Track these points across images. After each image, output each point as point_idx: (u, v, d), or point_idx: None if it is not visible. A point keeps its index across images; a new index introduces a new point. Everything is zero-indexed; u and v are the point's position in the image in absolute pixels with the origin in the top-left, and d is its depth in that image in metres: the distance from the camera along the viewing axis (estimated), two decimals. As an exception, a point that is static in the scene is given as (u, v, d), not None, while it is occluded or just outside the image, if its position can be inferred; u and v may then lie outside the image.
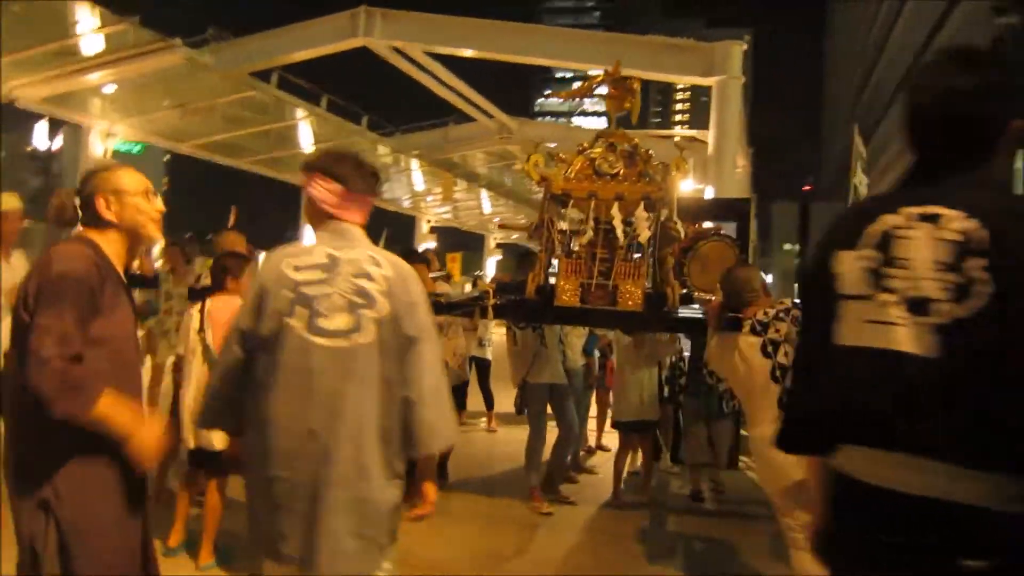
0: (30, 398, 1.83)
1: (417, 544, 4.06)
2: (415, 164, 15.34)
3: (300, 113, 11.63)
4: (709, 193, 8.22)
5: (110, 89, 10.05)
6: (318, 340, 2.01)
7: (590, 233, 4.19)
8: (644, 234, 4.13)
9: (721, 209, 5.95)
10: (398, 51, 10.33)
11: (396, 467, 2.10)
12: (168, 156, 57.57)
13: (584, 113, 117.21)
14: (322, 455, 1.98)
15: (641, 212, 4.12)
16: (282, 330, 2.02)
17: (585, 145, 5.12)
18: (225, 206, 6.80)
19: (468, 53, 9.70)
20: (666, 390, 5.88)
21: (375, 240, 2.33)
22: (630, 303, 4.09)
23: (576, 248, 4.71)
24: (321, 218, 2.23)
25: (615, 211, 4.13)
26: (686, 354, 5.99)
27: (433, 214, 20.83)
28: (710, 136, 8.25)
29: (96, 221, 2.17)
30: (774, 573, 4.15)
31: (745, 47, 8.18)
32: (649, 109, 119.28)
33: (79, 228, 2.25)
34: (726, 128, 8.15)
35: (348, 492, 1.99)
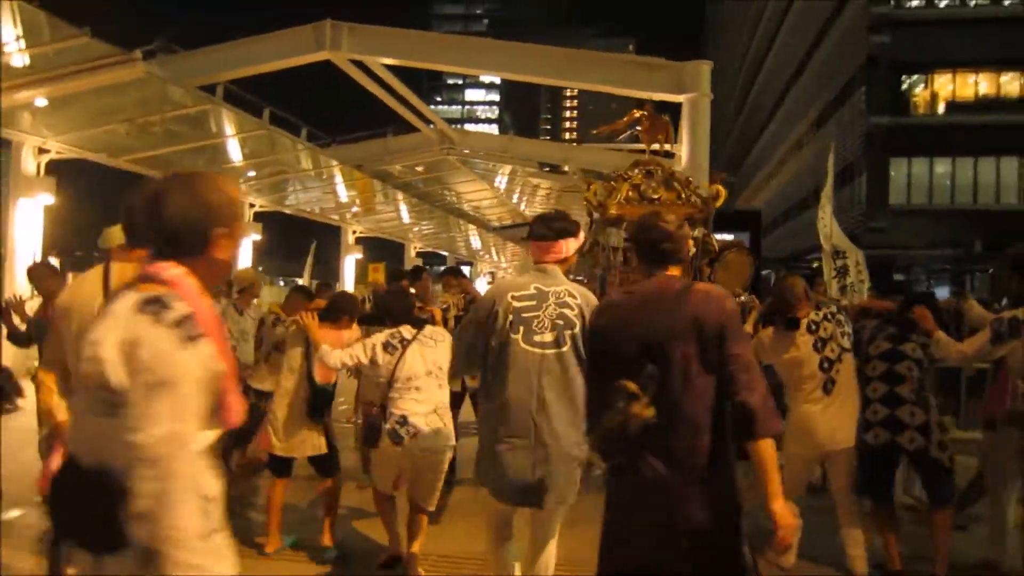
0: None
1: (429, 540, 4.20)
2: (338, 176, 15.14)
3: (231, 129, 11.27)
4: (684, 205, 8.64)
5: (43, 103, 9.42)
6: (532, 349, 2.86)
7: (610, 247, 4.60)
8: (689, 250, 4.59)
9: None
10: (355, 64, 10.23)
11: (580, 433, 2.80)
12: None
13: (475, 120, 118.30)
14: (535, 425, 2.81)
15: (688, 229, 4.59)
16: (508, 342, 2.87)
17: (629, 173, 5.50)
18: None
19: (431, 66, 9.72)
20: None
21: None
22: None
23: (624, 263, 5.12)
24: (534, 263, 3.11)
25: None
26: None
27: (359, 224, 20.56)
28: (683, 151, 8.67)
29: None
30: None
31: (712, 66, 8.67)
32: (540, 116, 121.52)
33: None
34: (698, 143, 8.60)
35: (553, 448, 2.80)
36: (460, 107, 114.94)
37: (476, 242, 30.44)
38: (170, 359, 1.41)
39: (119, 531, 1.38)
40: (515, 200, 21.40)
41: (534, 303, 2.91)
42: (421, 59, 9.60)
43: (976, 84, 31.55)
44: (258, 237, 15.50)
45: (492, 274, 33.14)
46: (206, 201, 1.61)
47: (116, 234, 4.17)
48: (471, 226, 24.60)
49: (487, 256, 35.72)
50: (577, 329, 2.85)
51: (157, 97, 9.68)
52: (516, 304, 2.90)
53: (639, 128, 5.26)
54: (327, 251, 21.01)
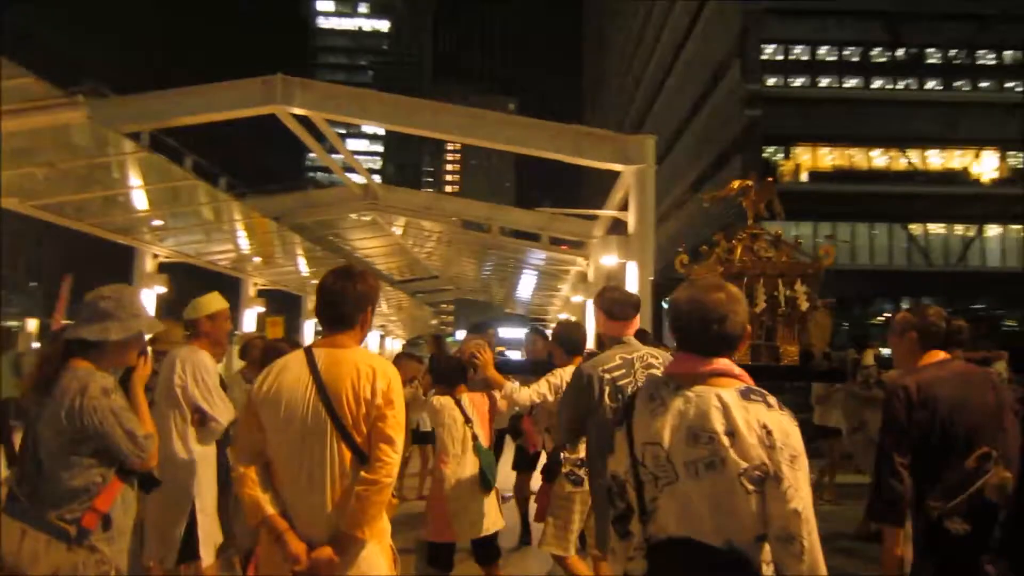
0: None
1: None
2: (240, 228, 14.70)
3: (135, 181, 10.75)
4: (631, 269, 9.08)
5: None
6: None
7: (762, 304, 4.87)
8: (804, 304, 4.92)
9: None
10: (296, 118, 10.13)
11: None
12: None
13: (351, 170, 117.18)
14: None
15: (800, 286, 4.91)
16: (604, 408, 3.05)
17: (741, 236, 5.72)
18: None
19: (378, 125, 9.77)
20: None
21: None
22: (787, 360, 4.99)
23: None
24: (610, 339, 3.34)
25: (780, 286, 4.92)
26: None
27: (260, 276, 19.86)
28: (630, 218, 9.16)
29: None
30: None
31: (655, 139, 9.27)
32: (421, 168, 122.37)
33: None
34: (645, 210, 9.12)
35: None
36: (340, 156, 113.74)
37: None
38: (797, 436, 1.74)
39: None
40: (424, 254, 21.45)
41: (624, 371, 3.13)
42: (376, 119, 9.68)
43: (834, 156, 34.93)
44: (163, 290, 14.69)
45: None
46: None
47: (211, 303, 4.02)
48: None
49: (379, 309, 35.26)
50: None
51: (85, 141, 9.15)
52: (608, 376, 3.10)
53: (744, 197, 5.61)
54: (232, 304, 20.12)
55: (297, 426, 2.26)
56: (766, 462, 1.67)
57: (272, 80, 9.24)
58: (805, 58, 35.80)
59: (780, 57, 35.27)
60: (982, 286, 31.37)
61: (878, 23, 33.91)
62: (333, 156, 12.00)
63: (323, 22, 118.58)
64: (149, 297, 14.55)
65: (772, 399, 1.77)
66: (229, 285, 19.95)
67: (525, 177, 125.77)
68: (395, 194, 14.57)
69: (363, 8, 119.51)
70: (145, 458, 2.54)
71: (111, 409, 2.46)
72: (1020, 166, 34.62)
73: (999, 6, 32.54)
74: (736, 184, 5.71)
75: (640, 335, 6.76)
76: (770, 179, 5.89)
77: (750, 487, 1.67)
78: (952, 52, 35.10)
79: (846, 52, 35.69)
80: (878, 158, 34.88)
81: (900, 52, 34.71)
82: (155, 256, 14.79)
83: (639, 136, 9.39)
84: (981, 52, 35.22)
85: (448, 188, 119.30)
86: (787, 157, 34.78)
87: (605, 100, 71.45)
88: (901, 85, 34.89)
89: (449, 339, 55.86)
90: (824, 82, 35.41)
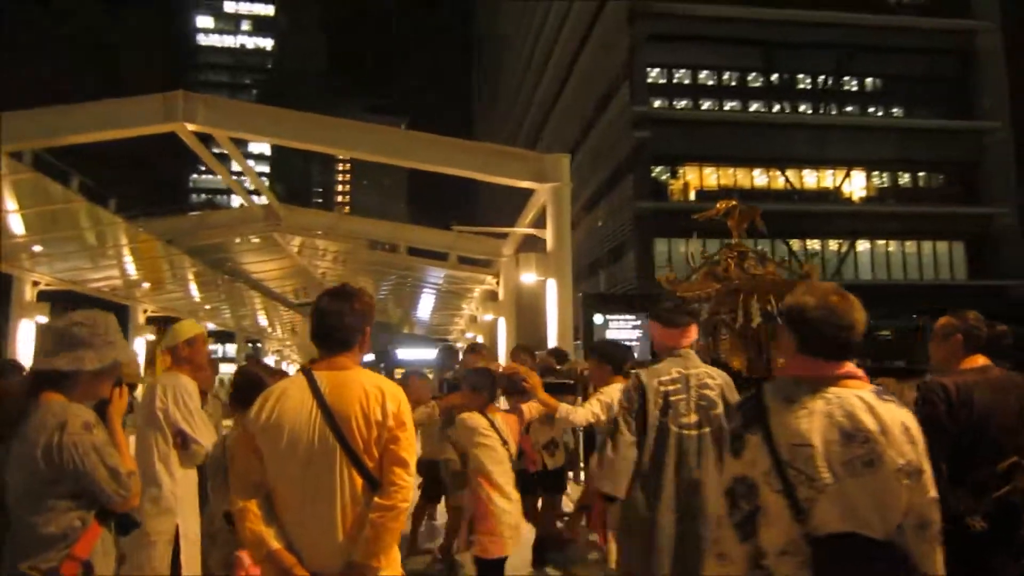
0: None
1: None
2: (127, 252, 13.89)
3: (10, 204, 9.98)
4: (551, 287, 9.15)
5: None
6: (679, 431, 3.14)
7: (758, 318, 5.01)
8: (756, 319, 5.10)
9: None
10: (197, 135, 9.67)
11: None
12: None
13: (231, 192, 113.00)
14: (696, 508, 3.05)
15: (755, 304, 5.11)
16: (658, 424, 3.13)
17: (728, 254, 5.81)
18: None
19: (288, 144, 9.49)
20: None
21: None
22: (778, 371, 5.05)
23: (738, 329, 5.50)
24: (666, 349, 3.35)
25: (772, 300, 5.16)
26: None
27: (151, 302, 18.76)
28: (548, 235, 9.25)
29: None
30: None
31: (569, 158, 9.42)
32: (312, 187, 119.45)
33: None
34: (561, 229, 9.23)
35: (701, 525, 3.00)
36: (244, 176, 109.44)
37: (263, 319, 29.01)
38: (920, 429, 1.89)
39: None
40: (322, 274, 20.91)
41: (679, 387, 3.18)
42: (288, 137, 9.36)
43: (718, 176, 36.71)
44: (44, 319, 13.63)
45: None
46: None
47: (187, 329, 3.98)
48: (266, 302, 23.46)
49: (274, 333, 34.08)
50: (719, 409, 3.15)
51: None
52: (663, 388, 3.18)
53: (730, 217, 5.78)
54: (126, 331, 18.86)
55: (302, 454, 2.16)
56: (912, 456, 1.84)
57: (173, 96, 8.79)
58: (687, 82, 37.56)
59: (663, 81, 36.83)
60: (858, 297, 33.60)
61: (754, 50, 36.06)
62: (238, 176, 11.46)
63: (203, 39, 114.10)
64: (27, 330, 13.46)
65: (894, 398, 1.94)
66: (117, 313, 18.74)
67: (418, 196, 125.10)
68: (298, 215, 14.13)
69: (245, 26, 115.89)
70: (128, 497, 2.32)
71: (93, 445, 2.24)
72: (885, 185, 37.52)
73: (863, 38, 35.39)
74: (721, 206, 5.97)
75: (558, 355, 6.80)
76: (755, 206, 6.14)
77: (905, 480, 1.82)
78: (821, 78, 37.77)
79: (725, 77, 37.71)
80: (759, 177, 36.91)
81: (774, 77, 37.00)
82: (35, 284, 13.73)
83: (555, 155, 9.53)
84: (846, 79, 38.05)
85: (337, 209, 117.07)
86: (674, 176, 36.24)
87: (496, 119, 72.26)
88: (776, 108, 37.12)
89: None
90: (705, 105, 37.22)
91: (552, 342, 8.85)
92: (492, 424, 3.90)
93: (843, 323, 1.94)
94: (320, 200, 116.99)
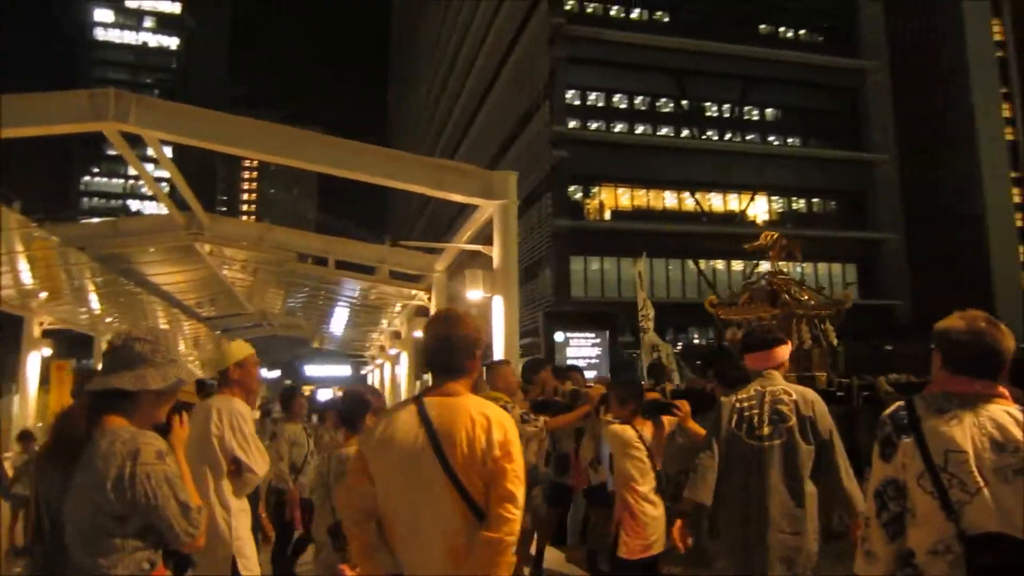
0: None
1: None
2: (21, 258, 12.94)
3: None
4: (497, 303, 9.10)
5: None
6: (753, 443, 3.36)
7: (808, 341, 5.34)
8: (833, 339, 5.49)
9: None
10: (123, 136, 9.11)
11: (804, 521, 3.28)
12: None
13: (141, 196, 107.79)
14: (763, 512, 3.27)
15: (828, 324, 5.82)
16: (735, 437, 3.41)
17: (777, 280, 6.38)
18: None
19: (229, 151, 9.10)
20: None
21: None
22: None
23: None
24: (752, 369, 3.64)
25: (819, 324, 5.54)
26: None
27: (48, 314, 17.45)
28: (495, 253, 9.19)
29: None
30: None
31: (516, 176, 9.42)
32: (216, 196, 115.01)
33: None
34: (508, 246, 9.20)
35: (773, 529, 3.25)
36: (122, 180, 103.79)
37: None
38: None
39: None
40: (238, 287, 20.10)
41: (754, 402, 3.44)
42: (230, 144, 8.93)
43: (632, 197, 37.73)
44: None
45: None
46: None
47: (238, 350, 3.85)
48: (172, 314, 22.31)
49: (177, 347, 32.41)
50: (793, 422, 3.35)
51: None
52: (739, 405, 3.47)
53: (772, 248, 6.19)
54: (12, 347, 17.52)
55: (409, 480, 2.17)
56: None
57: (102, 94, 8.23)
58: (603, 104, 38.56)
59: (579, 103, 37.67)
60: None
61: (666, 77, 37.43)
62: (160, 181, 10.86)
63: (101, 34, 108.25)
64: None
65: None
66: (8, 324, 17.36)
67: (330, 196, 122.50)
68: (223, 224, 13.54)
69: (148, 23, 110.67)
70: (196, 536, 2.11)
71: (166, 477, 2.05)
72: (783, 210, 39.57)
73: (765, 71, 37.36)
74: (767, 237, 6.44)
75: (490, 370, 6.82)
76: (777, 234, 6.66)
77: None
78: (726, 107, 39.58)
79: (637, 101, 38.94)
80: (669, 199, 38.16)
81: (684, 103, 38.50)
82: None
83: (503, 172, 9.50)
84: (748, 108, 40.01)
85: (244, 219, 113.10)
86: (590, 196, 37.01)
87: (411, 133, 71.76)
88: (685, 133, 38.58)
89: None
90: (620, 127, 38.29)
91: (498, 359, 8.79)
92: (640, 436, 4.20)
93: (996, 349, 2.15)
94: (224, 208, 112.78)
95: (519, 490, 2.16)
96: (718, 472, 3.41)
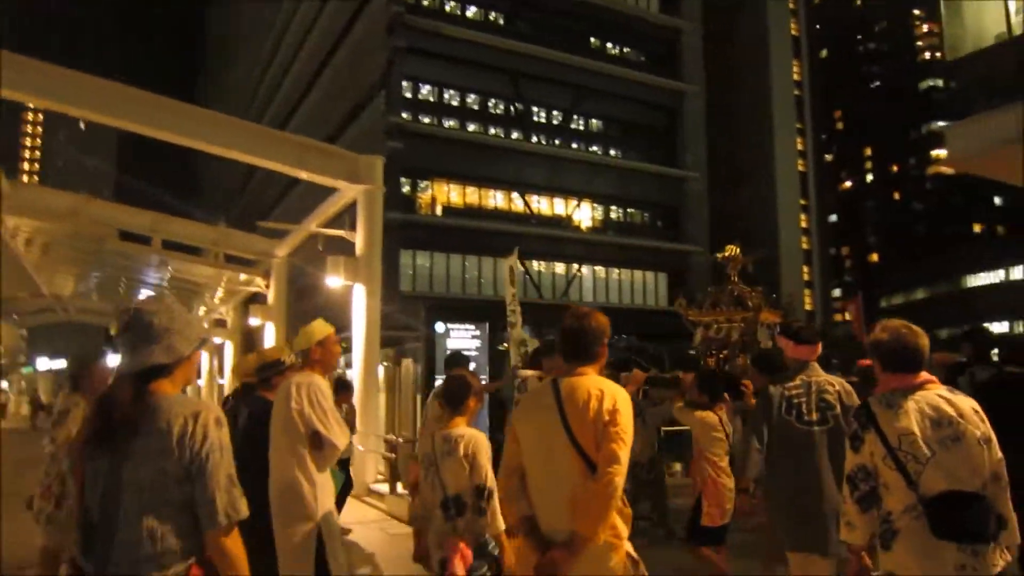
0: None
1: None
2: None
3: None
4: (359, 291, 8.69)
5: None
6: (802, 428, 3.78)
7: (768, 341, 5.68)
8: (766, 342, 6.46)
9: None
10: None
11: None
12: None
13: None
14: (818, 487, 3.72)
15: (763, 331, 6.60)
16: (785, 423, 3.81)
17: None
18: None
19: (101, 118, 7.93)
20: None
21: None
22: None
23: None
24: (796, 362, 3.97)
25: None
26: None
27: None
28: (359, 239, 8.75)
29: None
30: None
31: (383, 160, 9.03)
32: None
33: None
34: (373, 231, 8.81)
35: (827, 504, 3.65)
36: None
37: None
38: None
39: None
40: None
41: (802, 391, 3.83)
42: (90, 108, 7.62)
43: (463, 194, 37.93)
44: None
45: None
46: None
47: (319, 330, 3.95)
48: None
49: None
50: (838, 409, 3.78)
51: None
52: (788, 394, 3.85)
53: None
54: None
55: (542, 441, 2.72)
56: (984, 429, 2.57)
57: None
58: (440, 99, 38.44)
59: (417, 95, 37.31)
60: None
61: (501, 77, 37.99)
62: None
63: None
64: None
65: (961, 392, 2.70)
66: None
67: (130, 160, 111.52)
68: (27, 192, 11.87)
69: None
70: (233, 521, 2.04)
71: (221, 444, 2.07)
72: (604, 218, 41.64)
73: (592, 82, 39.06)
74: (729, 250, 7.03)
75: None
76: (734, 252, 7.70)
77: (983, 447, 2.54)
78: (556, 113, 40.95)
79: (471, 99, 39.23)
80: (499, 199, 38.82)
81: (519, 105, 39.34)
82: None
83: (370, 156, 9.09)
84: (575, 117, 41.68)
85: (25, 177, 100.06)
86: (419, 190, 36.74)
87: (229, 102, 67.04)
88: (516, 135, 39.43)
89: (28, 370, 46.26)
90: (452, 123, 38.36)
91: (358, 349, 8.40)
92: (720, 421, 4.91)
93: (919, 347, 2.70)
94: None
95: (622, 450, 2.60)
96: (772, 454, 3.83)
